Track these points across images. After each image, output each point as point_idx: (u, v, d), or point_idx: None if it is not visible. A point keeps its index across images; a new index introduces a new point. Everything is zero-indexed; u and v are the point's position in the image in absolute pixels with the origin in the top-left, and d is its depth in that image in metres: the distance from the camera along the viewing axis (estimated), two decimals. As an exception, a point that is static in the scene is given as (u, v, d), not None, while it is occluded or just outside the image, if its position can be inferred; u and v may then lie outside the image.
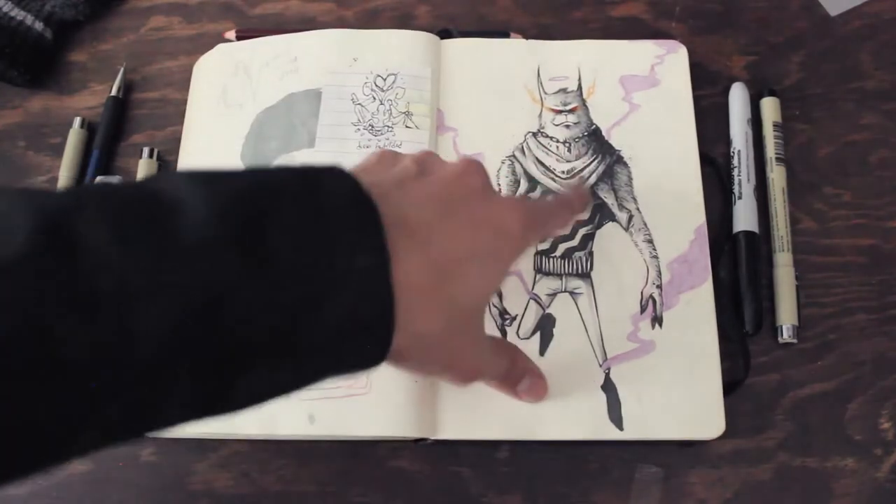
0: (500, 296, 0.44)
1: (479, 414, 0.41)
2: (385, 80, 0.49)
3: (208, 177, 0.28)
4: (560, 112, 0.49)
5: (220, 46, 0.52)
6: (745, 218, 0.47)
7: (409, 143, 0.48)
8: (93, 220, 0.25)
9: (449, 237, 0.31)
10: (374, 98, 0.49)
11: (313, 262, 0.27)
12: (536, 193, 0.47)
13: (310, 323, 0.27)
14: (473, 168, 0.34)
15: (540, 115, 0.49)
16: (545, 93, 0.49)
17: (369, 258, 0.28)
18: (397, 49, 0.50)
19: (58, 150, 0.51)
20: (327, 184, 0.29)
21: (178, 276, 0.25)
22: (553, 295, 0.44)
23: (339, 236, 0.28)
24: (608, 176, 0.47)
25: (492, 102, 0.49)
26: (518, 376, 0.40)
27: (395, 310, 0.28)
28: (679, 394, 0.42)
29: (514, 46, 0.51)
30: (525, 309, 0.44)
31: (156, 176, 0.28)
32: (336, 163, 0.30)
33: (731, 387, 0.43)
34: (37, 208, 0.24)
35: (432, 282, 0.30)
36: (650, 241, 0.45)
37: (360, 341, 0.29)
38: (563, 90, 0.49)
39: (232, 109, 0.49)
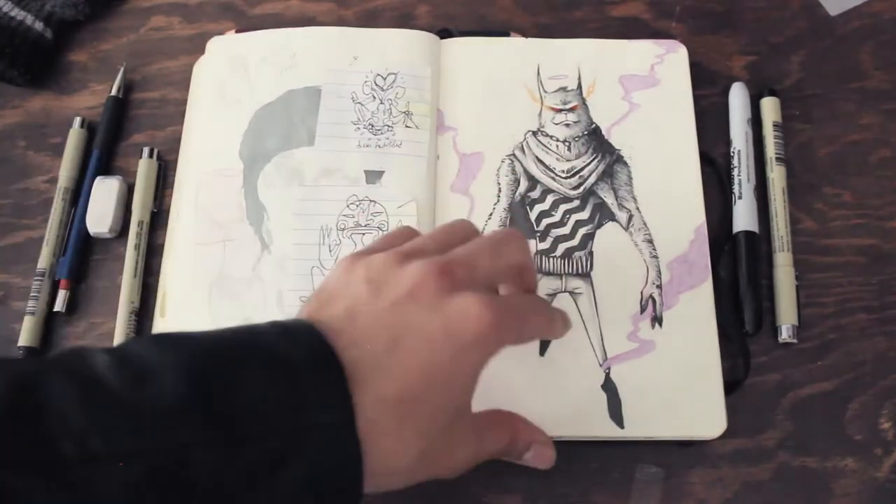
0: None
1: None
2: (385, 79, 0.49)
3: (177, 340, 0.29)
4: (560, 111, 0.49)
5: (215, 39, 0.52)
6: (745, 218, 0.47)
7: (409, 142, 0.48)
8: (61, 385, 0.26)
9: (402, 370, 0.31)
10: (374, 97, 0.49)
11: (277, 423, 0.28)
12: (537, 193, 0.47)
13: (273, 482, 0.28)
14: (425, 274, 0.32)
15: (540, 114, 0.49)
16: (545, 91, 0.49)
17: (333, 414, 0.29)
18: (397, 49, 0.50)
19: (58, 150, 0.51)
20: (290, 344, 0.30)
21: (141, 442, 0.26)
22: (553, 295, 0.44)
23: (302, 398, 0.29)
24: (608, 175, 0.47)
25: (491, 101, 0.49)
26: (522, 448, 0.38)
27: (362, 460, 0.29)
28: (679, 394, 0.42)
29: (514, 45, 0.51)
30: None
31: (127, 341, 0.29)
32: (300, 319, 0.31)
33: (731, 387, 0.43)
34: (10, 373, 0.26)
35: (394, 420, 0.30)
36: (650, 241, 0.45)
37: (331, 494, 0.29)
38: (563, 89, 0.49)
39: (230, 105, 0.49)
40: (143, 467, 0.26)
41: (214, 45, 0.52)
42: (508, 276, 0.37)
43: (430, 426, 0.32)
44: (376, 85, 0.49)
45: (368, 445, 0.29)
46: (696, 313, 0.44)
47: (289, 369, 0.29)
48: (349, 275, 0.33)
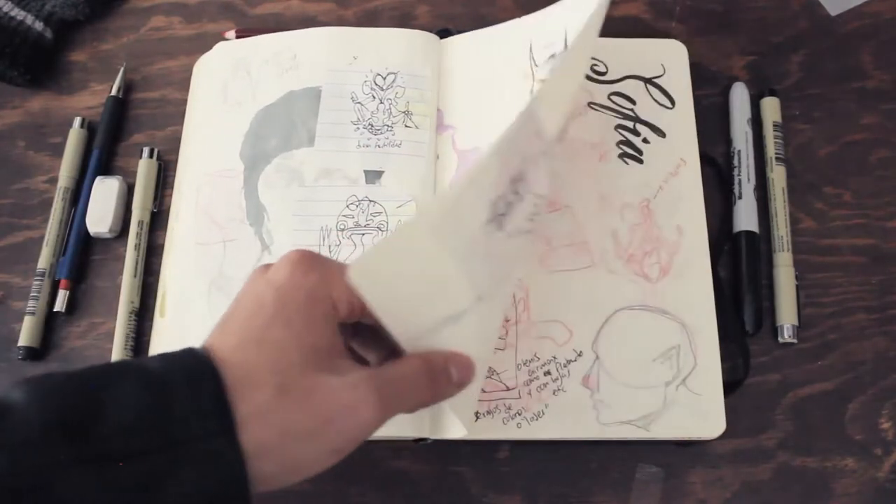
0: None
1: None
2: (385, 79, 0.49)
3: (41, 377, 0.29)
4: None
5: (220, 45, 0.52)
6: (745, 218, 0.47)
7: (409, 142, 0.48)
8: None
9: (237, 321, 0.32)
10: (374, 97, 0.49)
11: (148, 440, 0.28)
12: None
13: (159, 494, 0.27)
14: (266, 263, 0.34)
15: (533, 92, 0.48)
16: (536, 65, 0.49)
17: (205, 406, 0.29)
18: (397, 48, 0.50)
19: (58, 150, 0.51)
20: (161, 361, 0.30)
21: (5, 467, 0.26)
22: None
23: (174, 407, 0.28)
24: None
25: (489, 96, 0.49)
26: (440, 370, 0.34)
27: (235, 430, 0.29)
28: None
29: (508, 29, 0.50)
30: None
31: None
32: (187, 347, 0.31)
33: (731, 387, 0.43)
34: None
35: (242, 368, 0.30)
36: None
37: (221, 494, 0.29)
38: (553, 56, 0.49)
39: (232, 107, 0.49)
40: (9, 491, 0.26)
41: (218, 49, 0.52)
42: None
43: (283, 360, 0.31)
44: (376, 84, 0.49)
45: (233, 400, 0.29)
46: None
47: (159, 382, 0.29)
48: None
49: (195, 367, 0.30)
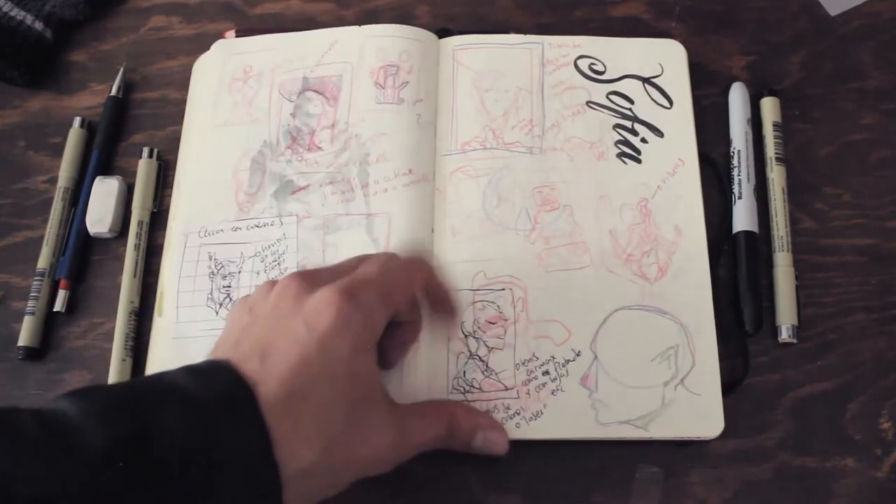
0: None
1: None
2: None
3: (90, 392, 0.30)
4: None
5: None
6: (744, 218, 0.47)
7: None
8: None
9: (279, 373, 0.32)
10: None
11: (195, 460, 0.29)
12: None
13: None
14: (288, 282, 0.34)
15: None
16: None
17: (246, 438, 0.30)
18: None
19: (58, 150, 0.51)
20: (196, 380, 0.31)
21: (69, 489, 0.27)
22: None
23: (215, 428, 0.30)
24: None
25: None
26: (465, 435, 0.38)
27: (280, 476, 0.30)
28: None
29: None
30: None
31: (49, 404, 0.30)
32: (215, 359, 0.32)
33: (730, 386, 0.43)
34: None
35: (288, 421, 0.31)
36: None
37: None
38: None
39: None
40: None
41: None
42: (400, 289, 0.37)
43: (325, 418, 0.32)
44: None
45: (277, 452, 0.30)
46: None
47: (197, 403, 0.30)
48: (238, 312, 0.36)
49: (229, 383, 0.31)
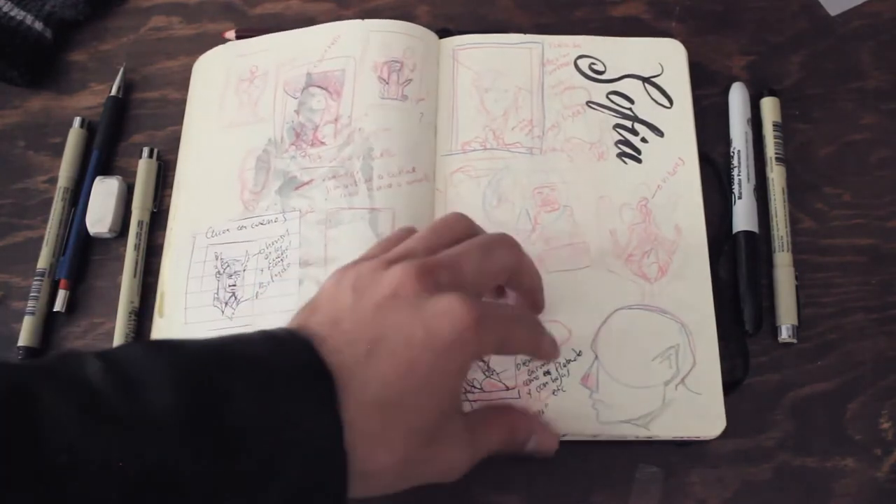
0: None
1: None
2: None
3: (167, 348, 0.29)
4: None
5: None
6: (744, 218, 0.47)
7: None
8: (56, 396, 0.26)
9: (383, 373, 0.31)
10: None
11: (266, 435, 0.28)
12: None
13: (263, 491, 0.28)
14: (406, 275, 0.33)
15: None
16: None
17: (321, 423, 0.29)
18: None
19: (58, 150, 0.51)
20: (277, 353, 0.30)
21: (132, 452, 0.26)
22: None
23: (290, 407, 0.29)
24: None
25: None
26: (522, 439, 0.38)
27: (347, 468, 0.29)
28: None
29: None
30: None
31: (119, 347, 0.30)
32: (286, 328, 0.32)
33: (730, 386, 0.43)
34: (6, 382, 0.26)
35: (378, 423, 0.30)
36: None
37: (318, 501, 0.30)
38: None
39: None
40: (134, 476, 0.26)
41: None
42: (500, 279, 0.37)
43: (414, 429, 0.32)
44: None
45: (353, 450, 0.29)
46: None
47: (276, 379, 0.29)
48: (337, 285, 0.34)
49: (307, 360, 0.30)
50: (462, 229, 0.37)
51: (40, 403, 0.26)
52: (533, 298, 0.40)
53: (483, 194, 0.47)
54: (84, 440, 0.26)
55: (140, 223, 0.48)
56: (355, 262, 0.35)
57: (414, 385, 0.31)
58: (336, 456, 0.29)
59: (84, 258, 0.48)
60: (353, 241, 0.45)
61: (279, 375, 0.29)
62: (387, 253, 0.35)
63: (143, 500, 0.26)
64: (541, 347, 0.37)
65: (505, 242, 0.37)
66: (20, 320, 0.46)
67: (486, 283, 0.37)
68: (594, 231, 0.46)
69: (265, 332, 0.31)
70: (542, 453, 0.39)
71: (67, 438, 0.25)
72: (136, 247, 0.47)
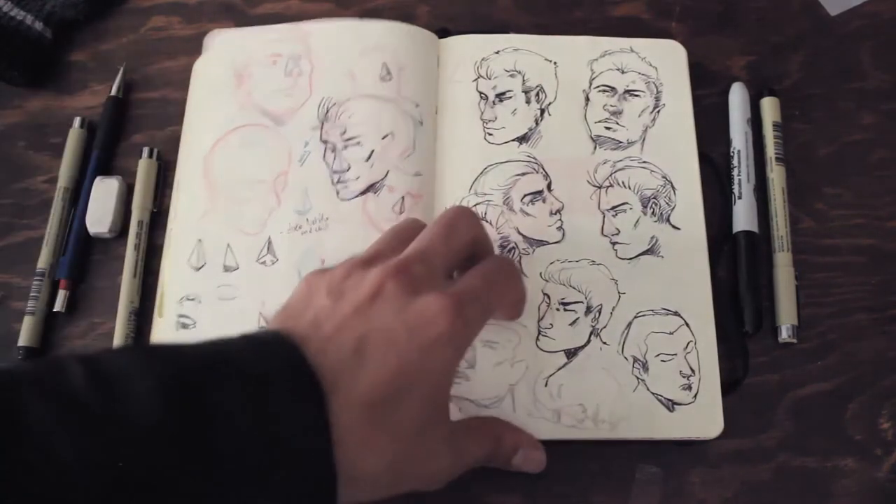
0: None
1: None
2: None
3: (151, 354, 0.29)
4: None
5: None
6: (744, 218, 0.47)
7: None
8: (40, 406, 0.26)
9: (369, 374, 0.30)
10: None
11: (253, 442, 0.28)
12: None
13: (251, 497, 0.28)
14: (385, 276, 0.33)
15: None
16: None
17: (307, 428, 0.29)
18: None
19: (58, 150, 0.51)
20: (263, 358, 0.30)
21: (116, 460, 0.26)
22: None
23: (276, 413, 0.28)
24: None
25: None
26: (508, 453, 0.38)
27: (336, 473, 0.29)
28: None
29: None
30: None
31: (102, 352, 0.29)
32: (269, 330, 0.31)
33: (730, 386, 0.43)
34: None
35: (365, 426, 0.30)
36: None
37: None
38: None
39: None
40: (115, 480, 0.26)
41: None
42: (469, 250, 0.37)
43: (402, 431, 0.31)
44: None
45: (341, 453, 0.29)
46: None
47: (263, 384, 0.29)
48: (311, 290, 0.34)
49: (293, 363, 0.30)
50: (420, 227, 0.37)
51: (26, 417, 0.26)
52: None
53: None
54: (70, 452, 0.25)
55: (140, 223, 0.48)
56: (322, 270, 0.35)
57: (401, 386, 0.31)
58: (326, 462, 0.29)
59: (84, 258, 0.48)
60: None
61: (266, 380, 0.29)
62: (353, 259, 0.35)
63: (124, 499, 0.26)
64: (518, 288, 0.38)
65: (464, 214, 0.37)
66: (20, 320, 0.46)
67: (457, 260, 0.37)
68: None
69: (248, 336, 0.31)
70: (528, 469, 0.39)
71: (52, 452, 0.25)
72: (136, 247, 0.47)
